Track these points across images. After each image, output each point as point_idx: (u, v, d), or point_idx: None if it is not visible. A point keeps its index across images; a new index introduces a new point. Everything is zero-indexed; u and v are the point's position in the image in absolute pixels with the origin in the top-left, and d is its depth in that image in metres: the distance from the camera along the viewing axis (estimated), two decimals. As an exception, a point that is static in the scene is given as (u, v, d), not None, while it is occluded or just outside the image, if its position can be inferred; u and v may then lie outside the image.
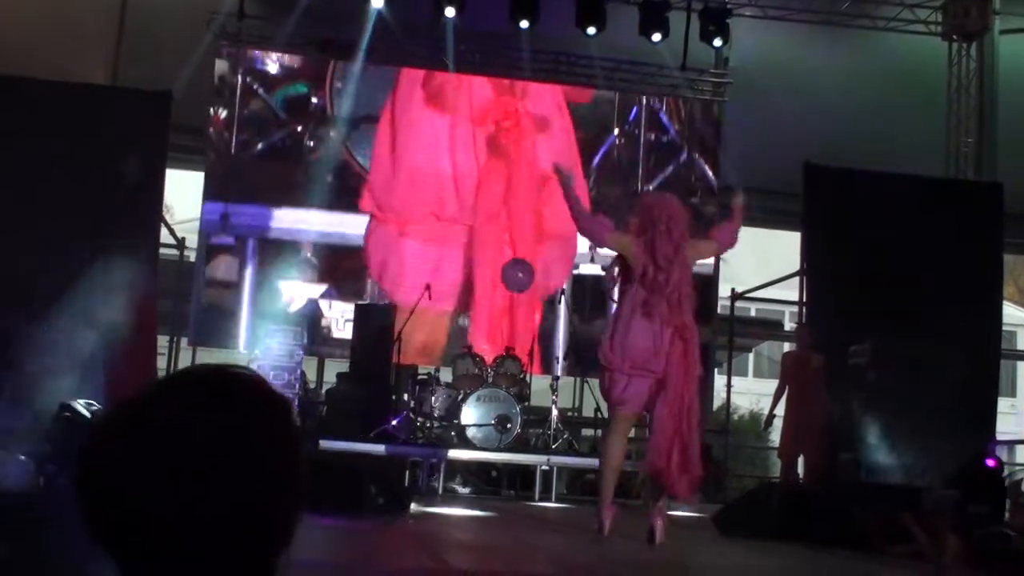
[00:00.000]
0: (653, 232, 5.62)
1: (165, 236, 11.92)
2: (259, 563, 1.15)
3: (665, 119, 13.98)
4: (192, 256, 13.02)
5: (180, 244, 12.76)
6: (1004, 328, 13.13)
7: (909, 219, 10.56)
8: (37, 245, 9.59)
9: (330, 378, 12.40)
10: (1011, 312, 26.50)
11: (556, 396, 10.68)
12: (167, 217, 13.94)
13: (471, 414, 10.10)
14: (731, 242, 6.06)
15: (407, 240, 12.93)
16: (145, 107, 10.66)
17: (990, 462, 7.60)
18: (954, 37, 14.54)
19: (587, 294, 13.13)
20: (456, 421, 10.18)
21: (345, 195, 12.97)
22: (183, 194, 15.86)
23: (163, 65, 12.06)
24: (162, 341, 11.71)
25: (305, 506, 1.18)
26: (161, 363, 11.22)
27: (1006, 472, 10.25)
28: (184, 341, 12.72)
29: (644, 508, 6.05)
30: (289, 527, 1.17)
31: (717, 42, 13.26)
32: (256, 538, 1.14)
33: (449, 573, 4.43)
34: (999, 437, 12.04)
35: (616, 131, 13.80)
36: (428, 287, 11.24)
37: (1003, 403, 21.11)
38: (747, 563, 5.50)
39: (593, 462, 7.99)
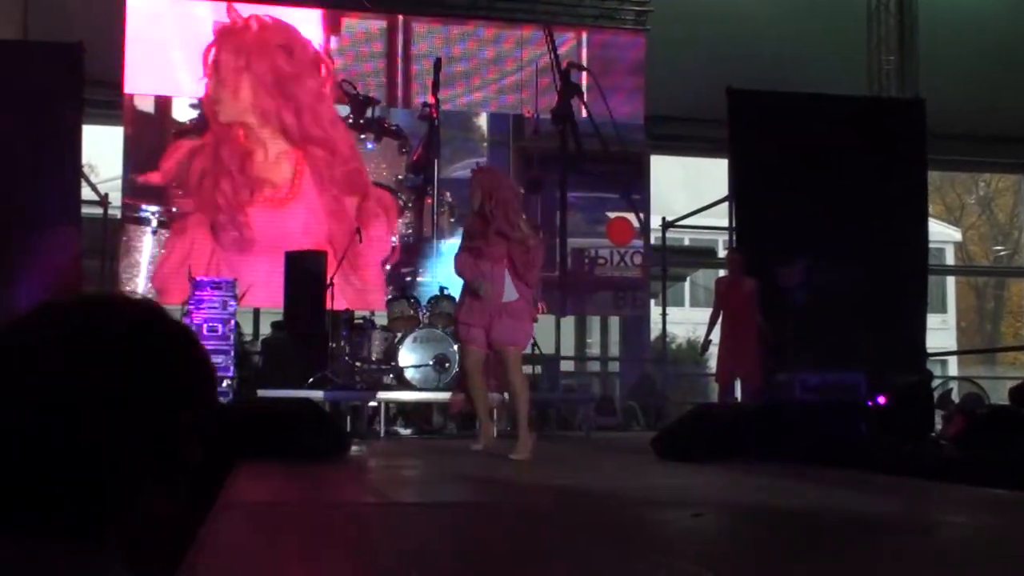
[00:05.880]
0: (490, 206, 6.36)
1: (88, 194, 11.67)
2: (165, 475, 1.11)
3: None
4: (117, 213, 12.76)
5: (104, 201, 12.48)
6: (933, 245, 13.34)
7: (834, 139, 10.63)
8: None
9: (266, 329, 12.27)
10: (940, 229, 26.98)
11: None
12: (91, 175, 13.62)
13: (408, 356, 10.07)
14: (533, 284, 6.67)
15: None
16: (57, 60, 10.37)
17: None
18: (872, -44, 14.60)
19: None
20: (394, 363, 10.15)
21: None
22: (106, 150, 15.49)
23: (73, 17, 11.72)
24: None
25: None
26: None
27: (936, 384, 10.51)
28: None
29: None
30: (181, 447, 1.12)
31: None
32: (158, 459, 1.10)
33: (390, 507, 4.43)
34: (931, 351, 12.28)
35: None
36: (359, 231, 11.17)
37: (934, 319, 21.52)
38: (688, 483, 5.56)
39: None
